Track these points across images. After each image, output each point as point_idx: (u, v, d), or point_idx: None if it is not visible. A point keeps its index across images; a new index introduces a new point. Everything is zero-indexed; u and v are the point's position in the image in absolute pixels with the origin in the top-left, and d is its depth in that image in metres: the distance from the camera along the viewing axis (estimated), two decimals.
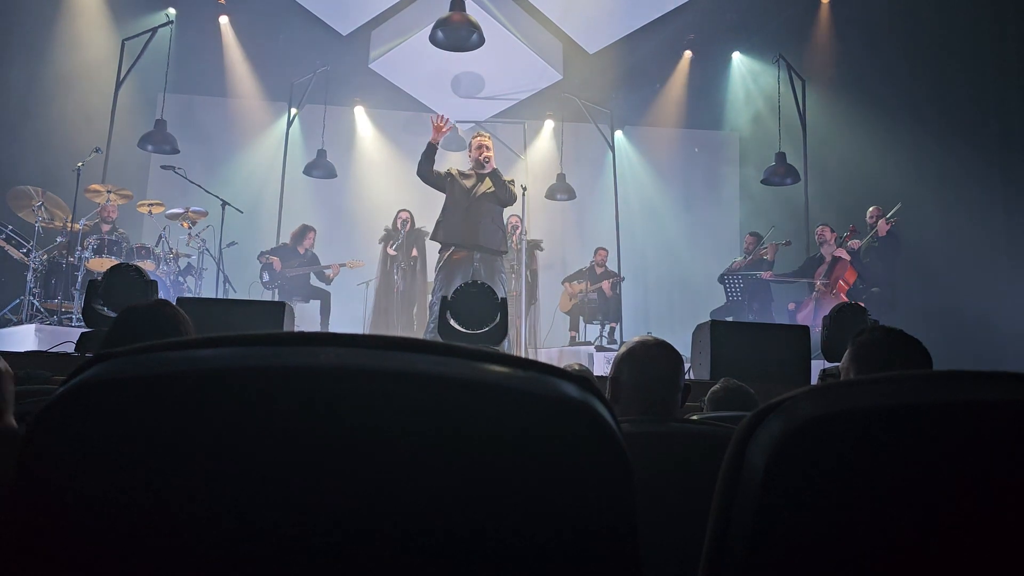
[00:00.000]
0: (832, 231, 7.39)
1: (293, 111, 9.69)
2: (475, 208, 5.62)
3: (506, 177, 5.84)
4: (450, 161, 9.56)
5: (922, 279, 7.53)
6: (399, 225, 7.99)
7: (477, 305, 4.09)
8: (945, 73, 7.79)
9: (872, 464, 0.64)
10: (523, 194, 5.97)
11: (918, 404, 0.65)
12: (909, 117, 8.05)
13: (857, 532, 0.64)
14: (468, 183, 5.71)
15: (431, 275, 6.90)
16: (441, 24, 6.16)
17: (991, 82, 7.51)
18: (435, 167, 5.82)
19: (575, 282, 8.93)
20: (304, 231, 8.17)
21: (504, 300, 4.17)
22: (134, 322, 2.10)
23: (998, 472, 0.64)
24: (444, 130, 5.58)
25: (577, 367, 3.54)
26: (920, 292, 7.51)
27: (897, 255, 7.21)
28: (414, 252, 7.93)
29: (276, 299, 7.51)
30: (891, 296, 7.11)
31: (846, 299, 6.55)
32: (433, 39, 6.26)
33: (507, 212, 6.15)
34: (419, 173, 5.87)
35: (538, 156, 10.61)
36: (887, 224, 7.16)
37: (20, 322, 6.41)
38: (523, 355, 1.89)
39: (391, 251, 7.96)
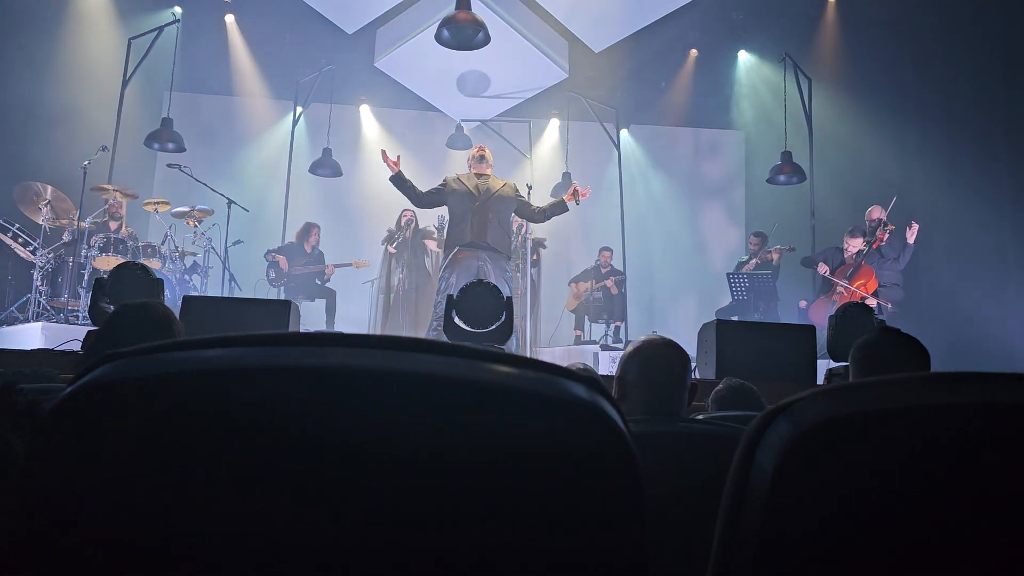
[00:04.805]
0: (864, 240, 7.12)
1: (299, 109, 9.71)
2: (482, 210, 5.63)
3: (509, 180, 5.89)
4: (455, 160, 9.59)
5: (929, 279, 7.51)
6: (403, 224, 8.04)
7: (482, 304, 4.09)
8: (952, 72, 7.76)
9: (882, 466, 0.63)
10: (528, 193, 5.98)
11: (929, 406, 0.64)
12: (916, 116, 8.03)
13: (867, 534, 0.64)
14: (471, 186, 5.70)
15: (436, 274, 6.92)
16: (447, 23, 6.15)
17: (998, 80, 7.48)
18: (431, 186, 5.85)
19: (581, 281, 8.95)
20: (308, 228, 8.20)
21: (509, 299, 4.16)
22: (124, 323, 2.12)
23: (1010, 475, 0.63)
24: (395, 162, 5.62)
25: (580, 367, 3.53)
26: (927, 292, 7.48)
27: (898, 254, 7.14)
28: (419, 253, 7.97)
29: (282, 297, 7.53)
30: (898, 297, 7.08)
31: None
32: (439, 38, 6.25)
33: None
34: (416, 205, 6.00)
35: (543, 155, 10.61)
36: (884, 232, 7.07)
37: (27, 320, 6.43)
38: (528, 355, 1.89)
39: (391, 249, 8.00)
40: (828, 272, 7.18)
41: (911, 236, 6.87)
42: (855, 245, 7.10)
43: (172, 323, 2.13)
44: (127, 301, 2.28)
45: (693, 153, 10.90)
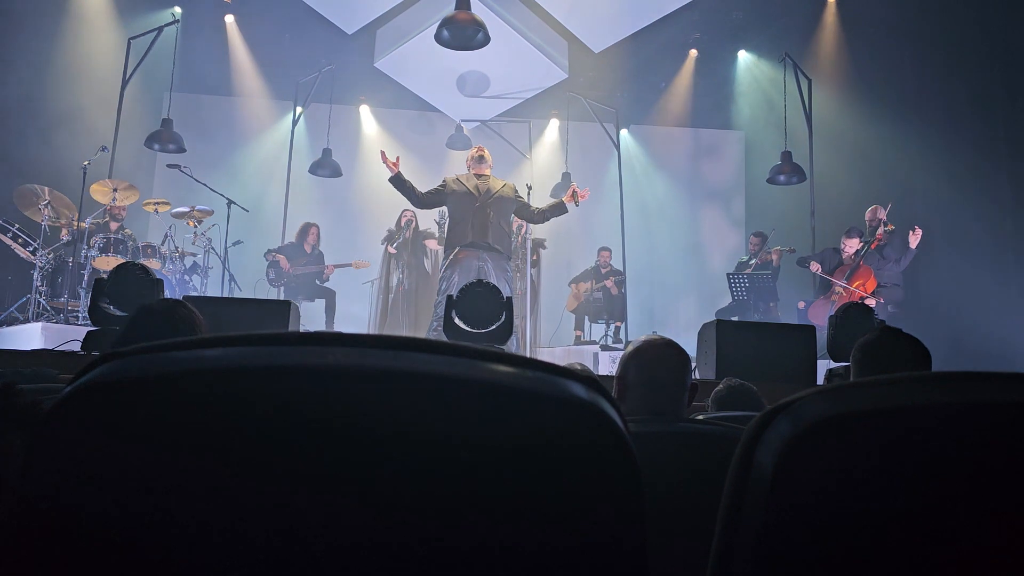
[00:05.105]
0: (861, 240, 7.14)
1: (298, 110, 9.71)
2: (482, 210, 5.63)
3: (508, 181, 5.90)
4: (454, 160, 9.59)
5: (929, 279, 7.50)
6: (403, 224, 8.05)
7: (482, 304, 4.09)
8: (952, 72, 7.76)
9: (882, 465, 0.63)
10: (528, 193, 5.98)
11: (929, 406, 0.64)
12: (915, 116, 8.03)
13: (866, 533, 0.63)
14: (470, 186, 5.70)
15: (435, 274, 6.93)
16: (447, 23, 6.15)
17: (998, 80, 7.48)
18: (430, 187, 5.85)
19: (581, 282, 8.96)
20: (306, 228, 8.20)
21: (509, 299, 4.16)
22: (149, 322, 2.10)
23: (1009, 475, 0.63)
24: (395, 163, 5.62)
25: (579, 367, 3.53)
26: (928, 292, 7.48)
27: (899, 256, 7.14)
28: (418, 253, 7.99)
29: (281, 297, 7.53)
30: (898, 298, 7.08)
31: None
32: (438, 38, 6.25)
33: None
34: (415, 206, 6.02)
35: (543, 155, 10.61)
36: (884, 231, 7.08)
37: (26, 320, 6.43)
38: (528, 355, 1.88)
39: (391, 249, 8.02)
40: (820, 270, 7.21)
41: (914, 241, 6.84)
42: (852, 246, 7.11)
43: (196, 323, 2.12)
44: (151, 301, 2.27)
45: (693, 153, 10.90)
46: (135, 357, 0.58)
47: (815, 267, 7.27)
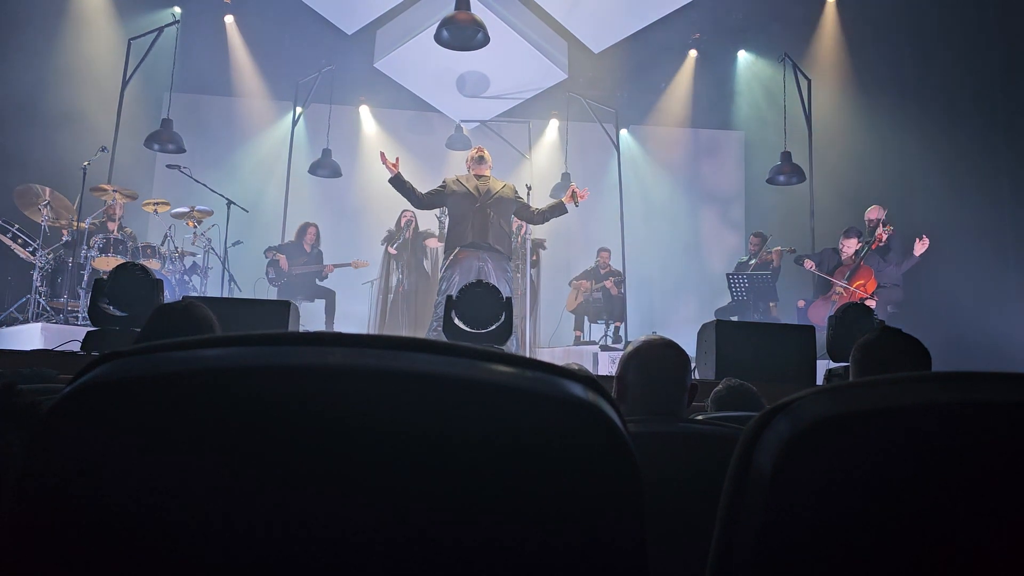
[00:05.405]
0: (859, 240, 7.15)
1: (298, 110, 9.71)
2: (482, 211, 5.64)
3: (508, 181, 5.91)
4: (454, 160, 9.58)
5: (929, 279, 7.50)
6: (402, 225, 8.06)
7: (482, 304, 4.09)
8: (952, 72, 7.76)
9: (881, 465, 0.63)
10: (528, 193, 5.98)
11: (928, 405, 0.64)
12: (915, 116, 8.02)
13: (865, 533, 0.63)
14: (471, 187, 5.71)
15: (435, 274, 6.93)
16: (446, 23, 6.15)
17: (998, 80, 7.49)
18: (430, 188, 5.86)
19: (582, 281, 8.97)
20: (304, 228, 8.21)
21: (509, 299, 4.16)
22: (165, 322, 2.11)
23: (1008, 475, 0.63)
24: (394, 164, 5.63)
25: (575, 367, 3.52)
26: (928, 293, 7.48)
27: (900, 260, 7.14)
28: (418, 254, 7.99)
29: (280, 297, 7.53)
30: (898, 298, 7.08)
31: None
32: (438, 38, 6.25)
33: None
34: (415, 207, 6.03)
35: (543, 155, 10.61)
36: (884, 232, 7.08)
37: (26, 321, 6.42)
38: (528, 355, 1.88)
39: (392, 250, 8.02)
40: (815, 268, 7.22)
41: (919, 248, 6.81)
42: (850, 246, 7.12)
43: (212, 323, 2.13)
44: (168, 302, 2.28)
45: (693, 153, 10.90)
46: (135, 357, 0.58)
47: (809, 265, 7.29)
